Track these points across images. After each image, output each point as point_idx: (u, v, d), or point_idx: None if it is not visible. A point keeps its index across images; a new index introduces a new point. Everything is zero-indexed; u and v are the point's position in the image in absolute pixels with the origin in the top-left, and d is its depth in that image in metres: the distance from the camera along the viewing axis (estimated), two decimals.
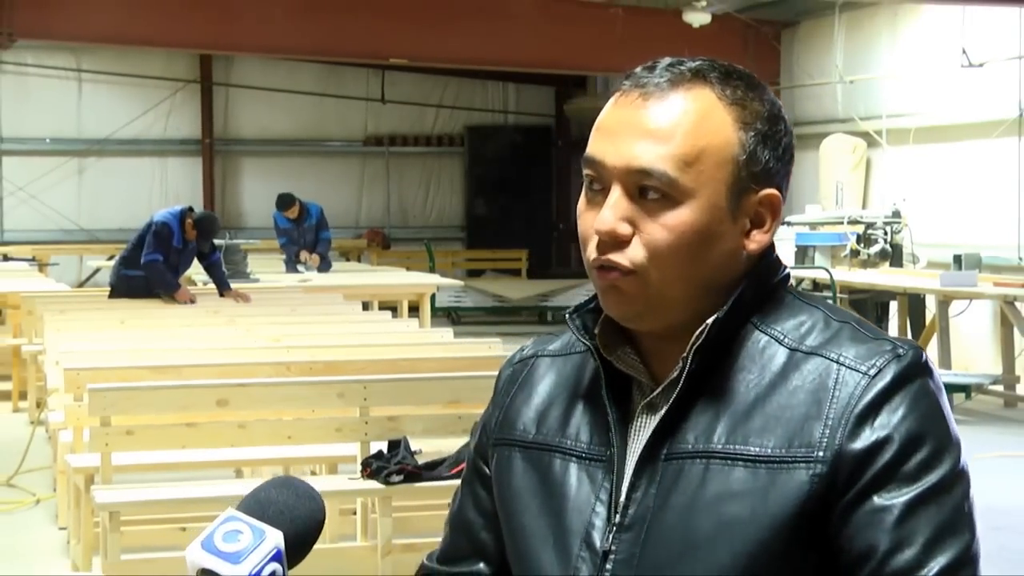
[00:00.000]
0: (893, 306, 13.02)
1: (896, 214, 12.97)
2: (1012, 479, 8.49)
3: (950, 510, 1.45)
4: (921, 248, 13.17)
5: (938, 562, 1.43)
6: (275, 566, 1.37)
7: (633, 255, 1.50)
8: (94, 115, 19.85)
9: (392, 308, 12.49)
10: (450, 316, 17.59)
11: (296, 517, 1.42)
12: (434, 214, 21.70)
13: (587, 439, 1.58)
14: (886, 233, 12.85)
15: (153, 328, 8.84)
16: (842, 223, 13.02)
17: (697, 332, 1.51)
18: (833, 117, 15.17)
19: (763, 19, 16.14)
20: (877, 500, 1.44)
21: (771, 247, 1.57)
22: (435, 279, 14.47)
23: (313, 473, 6.74)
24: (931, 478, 1.45)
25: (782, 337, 1.53)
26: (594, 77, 20.41)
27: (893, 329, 12.80)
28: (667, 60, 1.55)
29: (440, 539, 1.76)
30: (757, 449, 1.48)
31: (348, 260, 18.98)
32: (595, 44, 15.63)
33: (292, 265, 14.19)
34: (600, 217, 1.50)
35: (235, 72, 20.50)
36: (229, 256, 12.53)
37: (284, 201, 14.33)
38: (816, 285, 12.99)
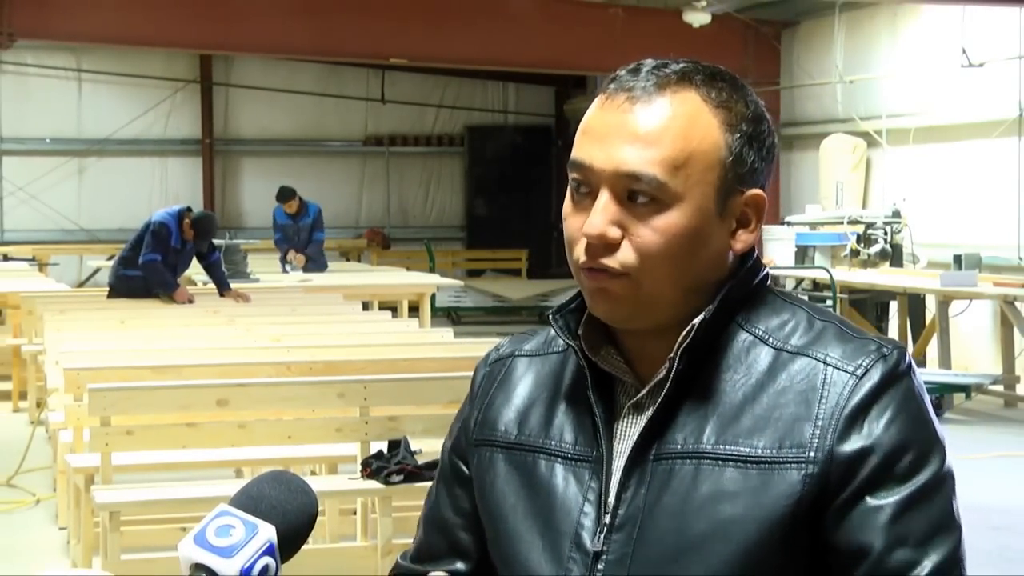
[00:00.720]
0: (893, 306, 13.02)
1: (896, 214, 12.97)
2: (1012, 479, 8.49)
3: (940, 509, 1.48)
4: (921, 248, 13.17)
5: (931, 560, 1.45)
6: (268, 560, 1.37)
7: (624, 258, 1.50)
8: (94, 115, 19.85)
9: (392, 308, 12.50)
10: (450, 316, 17.59)
11: (288, 511, 1.43)
12: (434, 214, 21.70)
13: (572, 440, 1.59)
14: (886, 233, 12.85)
15: (153, 328, 8.84)
16: (842, 223, 13.02)
17: (684, 333, 1.52)
18: (833, 117, 15.17)
19: (763, 19, 16.14)
20: (870, 501, 1.46)
21: (753, 248, 1.59)
22: (435, 279, 14.47)
23: (313, 473, 6.74)
24: (921, 478, 1.47)
25: (767, 337, 1.55)
26: (594, 77, 20.39)
27: (893, 329, 12.80)
28: (651, 62, 1.55)
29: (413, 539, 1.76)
30: (748, 450, 1.49)
31: (348, 260, 18.98)
32: (595, 44, 15.63)
33: (282, 264, 14.22)
34: (589, 221, 1.51)
35: (235, 72, 20.50)
36: (229, 256, 12.53)
37: (284, 193, 14.35)
38: (816, 285, 12.99)
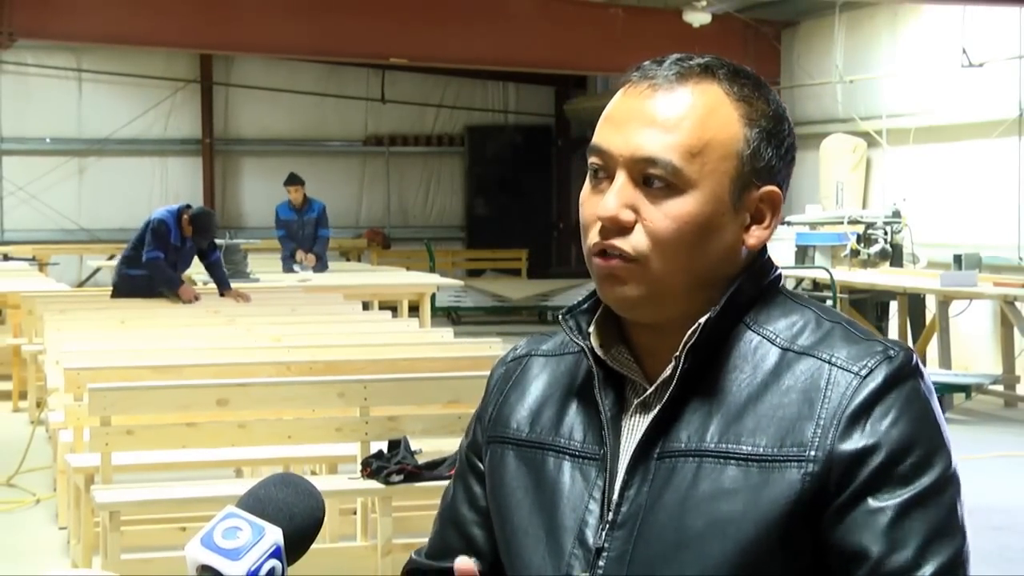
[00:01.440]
0: (893, 306, 13.02)
1: (896, 214, 12.97)
2: (1012, 479, 8.50)
3: (943, 513, 1.46)
4: (921, 248, 13.17)
5: (932, 565, 1.44)
6: (274, 563, 1.37)
7: (636, 242, 1.51)
8: (94, 115, 19.85)
9: (392, 308, 12.49)
10: (450, 316, 17.59)
11: (295, 514, 1.42)
12: (434, 214, 21.70)
13: (580, 438, 1.59)
14: (886, 233, 12.85)
15: (153, 328, 8.84)
16: (842, 223, 13.02)
17: (690, 331, 1.52)
18: (833, 117, 15.17)
19: (763, 19, 16.14)
20: (871, 502, 1.45)
21: (764, 248, 1.59)
22: (435, 279, 14.47)
23: (313, 473, 6.74)
24: (924, 481, 1.46)
25: (774, 337, 1.54)
26: (594, 77, 20.42)
27: (893, 329, 12.80)
28: (676, 55, 1.57)
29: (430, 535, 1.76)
30: (749, 448, 1.49)
31: (348, 260, 18.99)
32: (595, 44, 15.63)
33: (288, 264, 14.18)
34: (604, 203, 1.52)
35: (235, 72, 20.50)
36: (229, 256, 12.53)
37: (293, 178, 14.35)
38: (816, 285, 12.99)
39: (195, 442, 6.15)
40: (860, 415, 1.47)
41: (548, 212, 21.79)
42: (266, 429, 6.16)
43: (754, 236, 1.56)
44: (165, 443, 6.12)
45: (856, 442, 1.46)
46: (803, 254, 13.26)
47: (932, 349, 11.90)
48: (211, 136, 20.42)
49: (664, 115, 1.52)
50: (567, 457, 1.59)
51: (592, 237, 1.53)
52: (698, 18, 14.38)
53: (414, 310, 12.76)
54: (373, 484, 5.74)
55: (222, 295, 10.69)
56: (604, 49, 15.51)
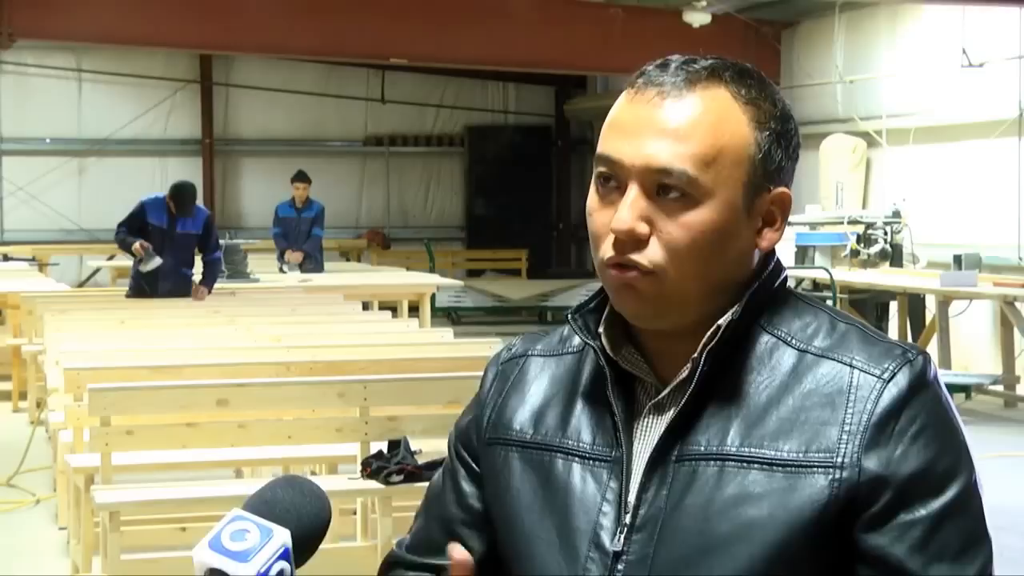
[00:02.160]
0: (893, 306, 13.02)
1: (896, 214, 12.97)
2: (1012, 479, 8.50)
3: (973, 520, 1.47)
4: (921, 248, 13.17)
5: (968, 573, 1.46)
6: (283, 564, 1.37)
7: (652, 255, 1.49)
8: (94, 115, 19.84)
9: (392, 308, 12.49)
10: (450, 316, 17.59)
11: (303, 515, 1.42)
12: (434, 214, 21.70)
13: (590, 439, 1.58)
14: (886, 233, 12.86)
15: (153, 328, 8.84)
16: (842, 223, 13.02)
17: (709, 333, 1.51)
18: (833, 117, 15.17)
19: (763, 19, 16.13)
20: (904, 515, 1.45)
21: (774, 249, 1.58)
22: (435, 279, 14.47)
23: (313, 473, 6.73)
24: (953, 489, 1.46)
25: (789, 338, 1.53)
26: (594, 77, 20.41)
27: (893, 329, 12.80)
28: (679, 58, 1.55)
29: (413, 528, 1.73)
30: (773, 452, 1.48)
31: (348, 260, 18.98)
32: (595, 44, 15.63)
33: (280, 263, 14.19)
34: (618, 216, 1.49)
35: (235, 72, 20.50)
36: (229, 256, 12.52)
37: (301, 175, 14.36)
38: (816, 285, 12.99)
39: (195, 442, 6.15)
40: (886, 423, 1.46)
41: (548, 212, 21.79)
42: (266, 429, 6.16)
43: (766, 239, 1.55)
44: (165, 443, 6.12)
45: (884, 453, 1.46)
46: (803, 254, 13.26)
47: (932, 349, 11.89)
48: (211, 136, 20.42)
49: (676, 124, 1.50)
50: (576, 459, 1.57)
51: (606, 250, 1.51)
52: (698, 18, 14.37)
53: (414, 310, 12.76)
54: (373, 484, 5.74)
55: (198, 286, 10.66)
56: (604, 49, 15.51)
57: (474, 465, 1.68)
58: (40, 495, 7.91)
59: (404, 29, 15.45)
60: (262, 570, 1.35)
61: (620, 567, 1.51)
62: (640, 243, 1.49)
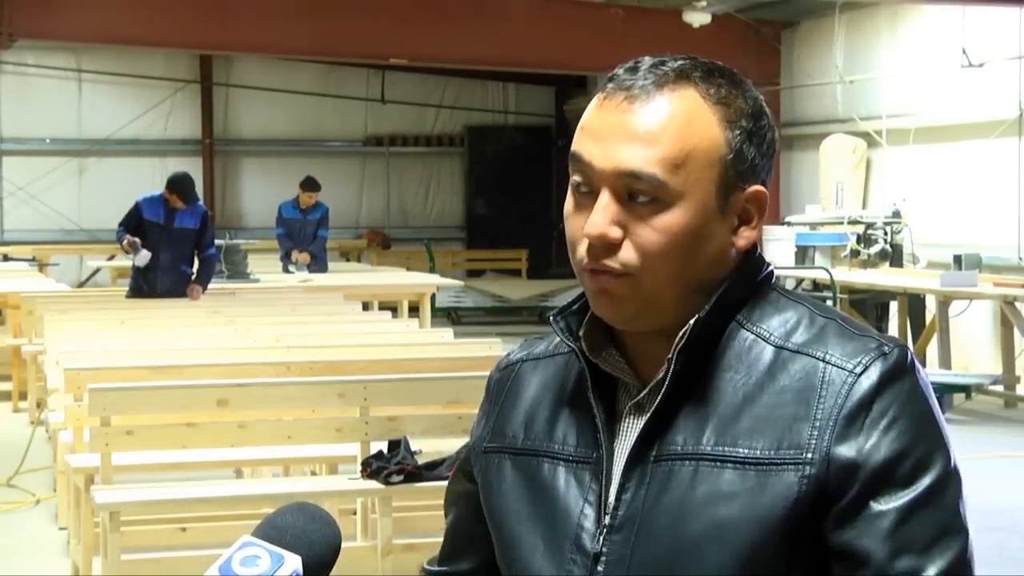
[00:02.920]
0: (893, 306, 13.02)
1: (896, 214, 12.98)
2: (1012, 479, 8.50)
3: (945, 513, 1.45)
4: (921, 248, 13.17)
5: (936, 566, 1.43)
6: None
7: (625, 258, 1.49)
8: (94, 115, 19.85)
9: (392, 308, 12.49)
10: (450, 316, 17.59)
11: (314, 542, 1.41)
12: (434, 214, 21.70)
13: (574, 442, 1.58)
14: (886, 233, 12.86)
15: (153, 328, 8.84)
16: (842, 223, 13.02)
17: (680, 332, 1.51)
18: (833, 117, 15.17)
19: (763, 19, 16.13)
20: (873, 506, 1.44)
21: (754, 246, 1.57)
22: (435, 279, 14.48)
23: (313, 473, 6.74)
24: (924, 481, 1.45)
25: (768, 335, 1.53)
26: (594, 77, 20.37)
27: (893, 329, 12.80)
28: (649, 60, 1.54)
29: (440, 541, 1.77)
30: (746, 451, 1.48)
31: (348, 260, 18.99)
32: (595, 44, 15.62)
33: (285, 263, 14.18)
34: (590, 221, 1.50)
35: (235, 72, 20.50)
36: (229, 256, 12.53)
37: (311, 182, 14.34)
38: (816, 285, 13.00)
39: (195, 442, 6.15)
40: (857, 415, 1.45)
41: (548, 212, 21.77)
42: (266, 429, 6.16)
43: (743, 237, 1.54)
44: (165, 443, 6.11)
45: (854, 444, 1.45)
46: (803, 254, 13.26)
47: (932, 349, 11.90)
48: (211, 136, 20.41)
49: (644, 127, 1.49)
50: (561, 463, 1.58)
51: (580, 255, 1.51)
52: (698, 18, 14.37)
53: (414, 310, 12.76)
54: (373, 484, 5.73)
55: (192, 284, 10.64)
56: (604, 49, 15.48)
57: (475, 477, 1.70)
58: (40, 495, 7.91)
59: (404, 29, 15.45)
60: None
61: (600, 568, 1.51)
62: (613, 247, 1.49)
